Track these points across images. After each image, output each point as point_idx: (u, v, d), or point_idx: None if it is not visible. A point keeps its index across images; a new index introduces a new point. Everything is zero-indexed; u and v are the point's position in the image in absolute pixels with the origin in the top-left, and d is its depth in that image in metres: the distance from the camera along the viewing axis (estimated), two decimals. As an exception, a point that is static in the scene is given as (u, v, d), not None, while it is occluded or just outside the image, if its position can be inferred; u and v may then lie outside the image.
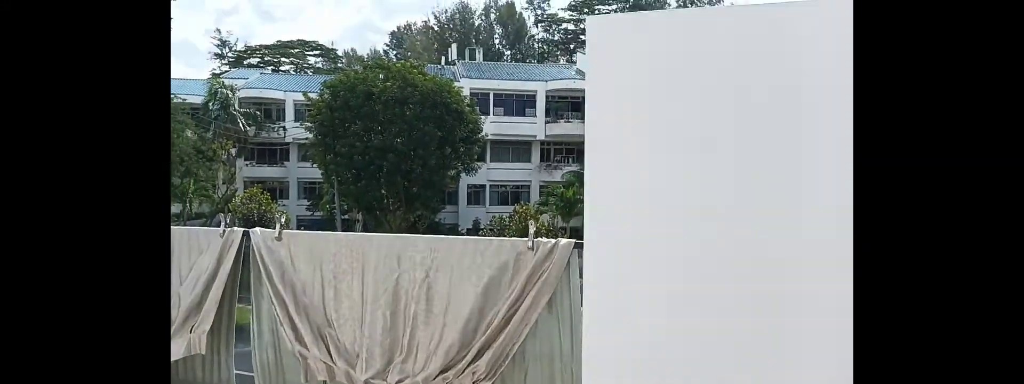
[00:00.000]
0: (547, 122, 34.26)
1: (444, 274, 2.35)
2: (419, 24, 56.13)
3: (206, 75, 39.12)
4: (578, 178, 31.58)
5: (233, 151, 29.93)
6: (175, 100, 22.48)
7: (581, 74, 36.51)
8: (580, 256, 2.28)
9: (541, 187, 34.87)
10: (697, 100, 1.47)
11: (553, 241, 2.25)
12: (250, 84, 33.71)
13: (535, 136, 34.18)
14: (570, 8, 52.16)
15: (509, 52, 54.11)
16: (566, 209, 26.10)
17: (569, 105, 35.46)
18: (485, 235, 18.94)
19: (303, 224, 32.87)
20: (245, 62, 48.06)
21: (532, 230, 2.27)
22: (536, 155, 35.11)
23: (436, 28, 54.73)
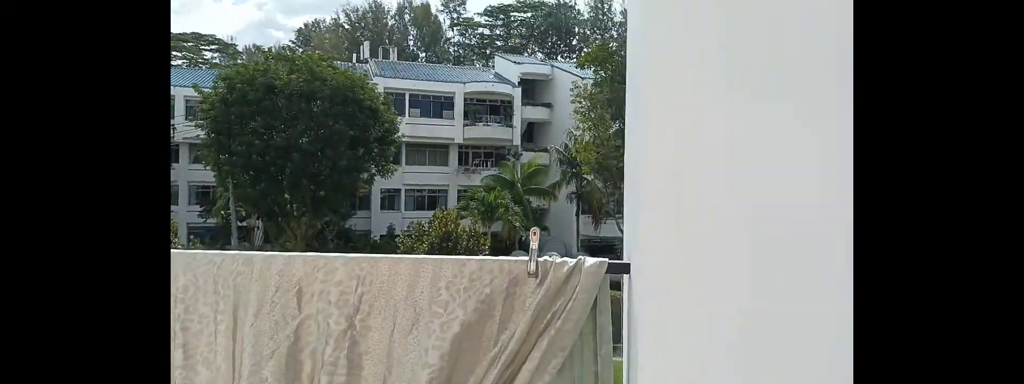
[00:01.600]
0: (465, 125, 33.40)
1: (380, 321, 1.36)
2: (328, 21, 53.46)
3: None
4: (499, 182, 31.00)
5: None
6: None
7: (499, 77, 36.10)
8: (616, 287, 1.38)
9: (459, 191, 33.86)
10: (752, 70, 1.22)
11: (570, 261, 1.34)
12: (132, 76, 30.11)
13: (453, 139, 33.20)
14: (486, 13, 51.79)
15: (424, 55, 52.81)
16: (488, 213, 25.27)
17: (488, 108, 34.82)
18: (402, 243, 17.65)
19: (194, 232, 29.73)
20: (128, 54, 43.55)
21: (534, 245, 1.34)
22: (454, 158, 34.11)
23: (346, 26, 52.33)
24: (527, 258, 1.33)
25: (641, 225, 1.26)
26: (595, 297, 1.30)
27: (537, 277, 1.31)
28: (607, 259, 1.33)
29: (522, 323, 1.29)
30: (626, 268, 1.33)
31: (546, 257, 1.34)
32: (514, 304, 1.31)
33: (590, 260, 1.32)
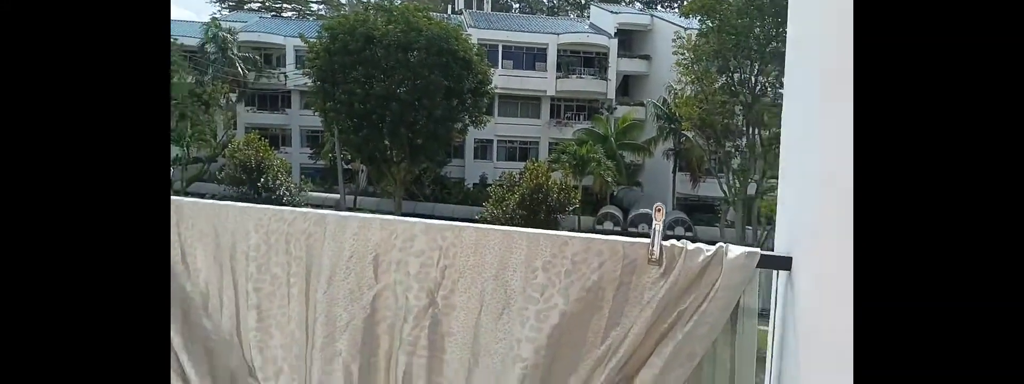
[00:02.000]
0: (558, 77, 32.55)
1: (465, 301, 1.15)
2: (426, -30, 53.42)
3: (204, 19, 37.41)
4: (592, 136, 30.28)
5: (232, 96, 28.67)
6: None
7: (594, 28, 34.50)
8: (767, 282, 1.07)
9: (551, 144, 33.51)
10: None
11: (707, 249, 1.03)
12: (248, 28, 32.01)
13: (545, 91, 32.56)
14: (585, -41, 49.14)
15: (518, 5, 51.47)
16: (579, 167, 24.85)
17: (582, 60, 33.61)
18: (494, 192, 17.81)
19: (306, 173, 31.97)
20: (245, 7, 46.44)
21: (657, 225, 1.04)
22: (545, 111, 33.57)
23: (444, -25, 52.03)
24: (648, 240, 1.05)
25: (809, 210, 0.94)
26: (740, 298, 1.00)
27: (660, 265, 1.04)
28: (759, 250, 1.01)
29: (639, 321, 1.02)
30: (785, 263, 1.01)
31: (674, 241, 1.05)
32: (628, 296, 1.05)
33: (735, 249, 1.01)
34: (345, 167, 27.96)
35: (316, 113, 20.35)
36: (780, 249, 1.10)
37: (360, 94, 18.02)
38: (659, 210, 1.09)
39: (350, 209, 23.09)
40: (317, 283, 1.23)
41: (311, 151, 31.53)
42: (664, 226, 1.07)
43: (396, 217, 1.22)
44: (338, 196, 19.63)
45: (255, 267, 1.31)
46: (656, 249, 1.03)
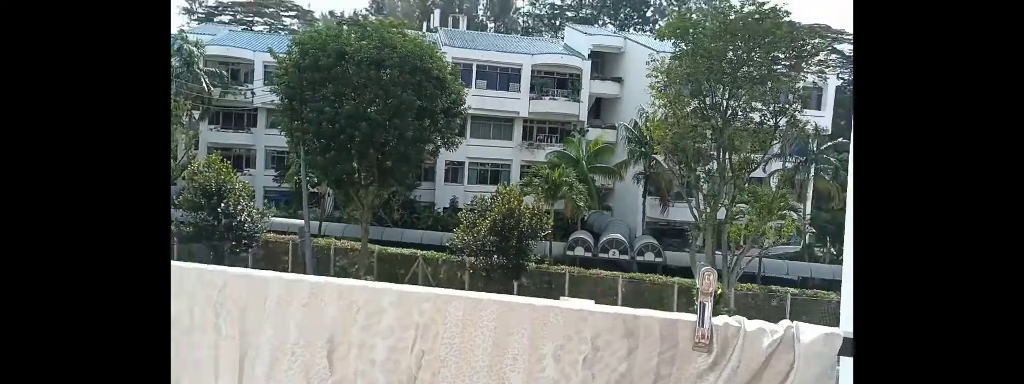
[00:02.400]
0: (531, 99, 32.68)
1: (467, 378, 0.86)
2: (401, -11, 53.61)
3: (173, 31, 36.53)
4: (564, 159, 30.28)
5: (195, 114, 27.75)
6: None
7: (569, 50, 34.92)
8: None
9: (523, 166, 33.40)
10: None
11: (772, 329, 0.78)
12: (217, 41, 31.29)
13: (518, 113, 32.61)
14: (559, -18, 50.17)
15: (493, 25, 52.04)
16: (551, 191, 24.72)
17: (555, 81, 33.86)
18: (465, 217, 17.44)
19: (270, 196, 30.97)
20: (215, 19, 45.76)
21: (707, 302, 0.78)
22: (518, 133, 33.58)
23: (419, -6, 52.26)
24: (691, 317, 0.79)
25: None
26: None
27: (710, 352, 0.78)
28: (839, 331, 0.76)
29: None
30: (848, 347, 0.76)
31: (727, 319, 0.79)
32: (672, 393, 0.79)
33: (809, 329, 0.76)
34: (311, 190, 27.21)
35: (282, 132, 19.75)
36: (846, 326, 0.86)
37: (329, 113, 17.57)
38: (707, 275, 0.83)
39: (314, 236, 22.33)
40: (252, 373, 0.92)
41: (276, 173, 30.63)
42: (713, 300, 0.81)
43: (359, 283, 0.93)
44: (302, 222, 18.94)
45: (173, 348, 0.99)
46: (706, 330, 0.77)
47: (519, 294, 20.30)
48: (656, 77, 15.88)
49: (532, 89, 33.04)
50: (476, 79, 32.23)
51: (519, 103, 32.70)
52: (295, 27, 46.29)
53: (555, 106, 32.80)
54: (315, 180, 25.24)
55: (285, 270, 21.80)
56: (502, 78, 33.30)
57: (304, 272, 19.97)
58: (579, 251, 26.22)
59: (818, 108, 30.33)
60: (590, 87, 33.87)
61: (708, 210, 15.77)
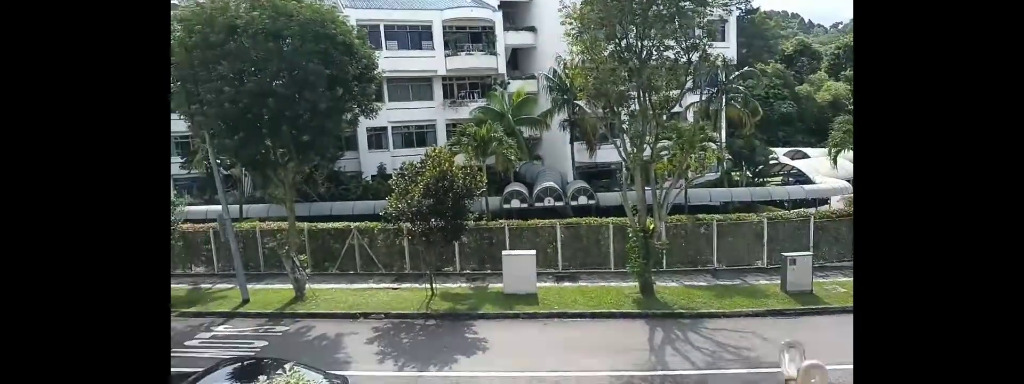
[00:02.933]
0: (447, 55, 31.74)
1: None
2: (287, -53, 49.34)
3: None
4: (489, 114, 29.91)
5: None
6: None
7: (478, 2, 33.81)
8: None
9: (449, 125, 32.78)
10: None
11: None
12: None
13: (436, 71, 31.69)
14: (458, -73, 47.81)
15: (395, -20, 49.32)
16: (481, 148, 24.51)
17: (468, 36, 32.95)
18: (396, 184, 16.97)
19: (179, 184, 28.89)
20: None
21: (790, 369, 0.65)
22: (438, 92, 32.75)
23: (308, -48, 48.41)
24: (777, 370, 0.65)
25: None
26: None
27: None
28: None
29: None
30: None
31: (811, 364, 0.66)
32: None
33: None
34: (224, 174, 25.51)
35: (181, 117, 18.15)
36: None
37: (229, 92, 16.24)
38: (788, 350, 0.68)
39: (236, 220, 21.14)
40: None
41: (182, 160, 28.52)
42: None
43: None
44: (220, 207, 17.80)
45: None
46: (794, 372, 0.63)
47: (460, 254, 20.23)
48: (570, 24, 15.67)
49: (446, 46, 32.01)
50: (386, 41, 30.79)
51: (435, 61, 31.70)
52: (174, 2, 41.98)
53: (472, 61, 32.07)
54: (228, 163, 23.65)
55: (208, 261, 20.66)
56: (413, 37, 32.00)
57: (229, 259, 18.86)
58: (516, 203, 26.45)
59: (723, 40, 31.33)
60: (505, 39, 33.23)
61: (635, 151, 16.12)
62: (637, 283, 16.94)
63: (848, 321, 13.62)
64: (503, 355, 12.79)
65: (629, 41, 15.26)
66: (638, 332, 14.23)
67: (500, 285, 17.50)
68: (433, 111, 32.48)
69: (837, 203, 29.57)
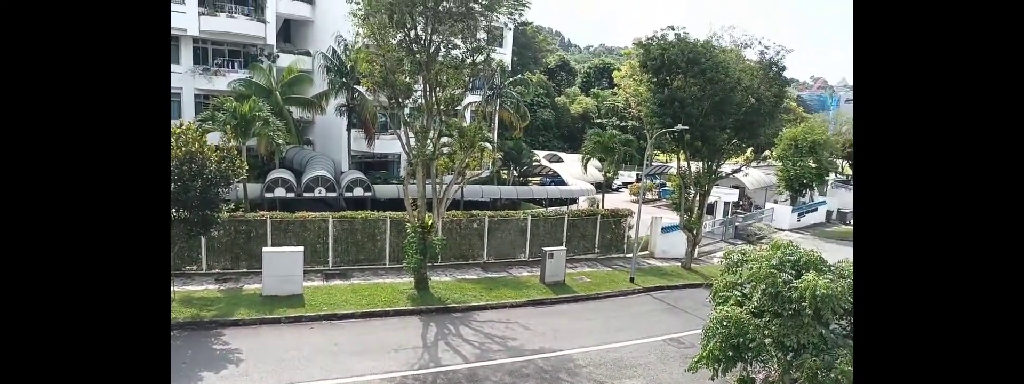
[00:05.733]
0: (202, 14, 27.10)
1: None
2: None
3: None
4: (253, 88, 26.41)
5: None
6: None
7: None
8: None
9: (198, 97, 28.08)
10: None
11: None
12: None
13: (185, 30, 26.78)
14: None
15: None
16: (241, 127, 21.42)
17: (231, -6, 28.59)
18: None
19: None
20: None
21: None
22: (187, 55, 27.80)
23: None
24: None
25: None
26: None
27: None
28: None
29: None
30: None
31: None
32: None
33: None
34: None
35: None
36: None
37: None
38: None
39: None
40: None
41: None
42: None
43: None
44: None
45: None
46: None
47: (207, 250, 17.46)
48: (357, 4, 14.55)
49: (202, 3, 27.30)
50: (117, -18, 24.83)
51: (186, 18, 26.75)
52: None
53: (234, 24, 27.95)
54: None
55: None
56: (156, -16, 26.47)
57: None
58: (280, 192, 23.92)
59: (502, 46, 33.04)
60: (277, 6, 29.75)
61: (419, 145, 15.82)
62: (413, 279, 16.72)
63: (594, 307, 15.57)
64: (260, 367, 11.30)
65: (417, 33, 14.84)
66: (411, 329, 14.00)
67: (258, 286, 15.55)
68: (179, 77, 27.44)
69: (583, 203, 33.73)
